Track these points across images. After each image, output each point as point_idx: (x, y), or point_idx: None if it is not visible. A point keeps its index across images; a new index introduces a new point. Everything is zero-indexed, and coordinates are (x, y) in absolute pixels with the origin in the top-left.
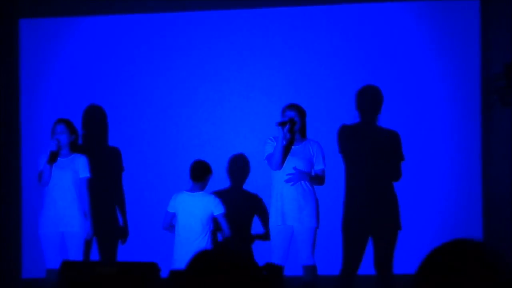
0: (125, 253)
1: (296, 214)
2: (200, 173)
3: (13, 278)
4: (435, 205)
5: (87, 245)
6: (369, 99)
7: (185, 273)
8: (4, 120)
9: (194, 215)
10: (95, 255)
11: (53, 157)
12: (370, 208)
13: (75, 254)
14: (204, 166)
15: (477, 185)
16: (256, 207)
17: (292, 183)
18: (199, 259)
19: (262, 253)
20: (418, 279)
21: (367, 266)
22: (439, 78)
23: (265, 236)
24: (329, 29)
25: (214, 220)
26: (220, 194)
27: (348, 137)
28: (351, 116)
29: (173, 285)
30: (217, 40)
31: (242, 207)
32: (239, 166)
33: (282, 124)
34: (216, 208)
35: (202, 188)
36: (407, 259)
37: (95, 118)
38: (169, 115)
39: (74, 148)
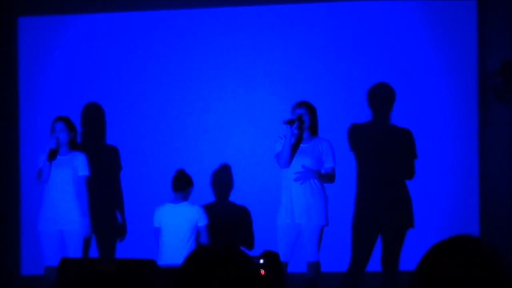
0: (124, 250)
1: (304, 211)
2: (182, 184)
3: (13, 275)
4: (432, 202)
5: (86, 242)
6: (380, 97)
7: (182, 269)
8: (3, 118)
9: (179, 225)
10: (94, 253)
11: (52, 155)
12: (381, 206)
13: (74, 251)
14: (186, 176)
15: (474, 182)
16: (244, 219)
17: (301, 181)
18: (196, 255)
19: (263, 248)
20: (418, 276)
21: (372, 263)
22: (437, 75)
23: (248, 244)
24: (327, 28)
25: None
26: (207, 207)
27: (359, 136)
28: (359, 113)
29: (170, 283)
30: (223, 38)
31: (230, 219)
32: (223, 178)
33: (289, 122)
34: (201, 218)
35: (185, 198)
36: (403, 256)
37: (94, 116)
38: (168, 113)
39: (73, 146)
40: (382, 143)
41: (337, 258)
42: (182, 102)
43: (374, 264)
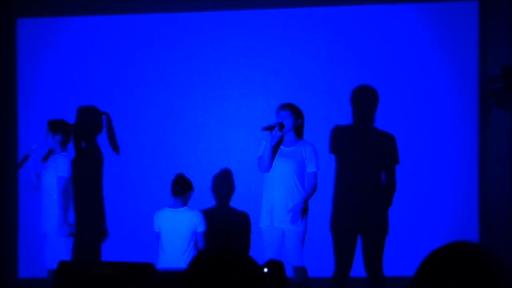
0: (125, 254)
1: (285, 216)
2: (181, 188)
3: (10, 278)
4: (431, 207)
5: (67, 245)
6: (363, 100)
7: (186, 273)
8: (1, 120)
9: (178, 231)
10: (80, 255)
11: (22, 161)
12: (358, 210)
13: (55, 254)
14: (185, 180)
15: (474, 188)
16: (242, 225)
17: (285, 186)
18: (200, 259)
19: (254, 252)
20: (416, 282)
21: (360, 268)
22: (437, 80)
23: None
24: (325, 31)
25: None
26: (206, 212)
27: (340, 138)
28: (349, 117)
29: (173, 286)
30: (212, 42)
31: (229, 224)
32: (225, 183)
33: (268, 128)
34: (200, 224)
35: (185, 203)
36: (402, 261)
37: (92, 118)
38: (167, 116)
39: (64, 148)
40: (363, 146)
41: (324, 263)
42: (181, 105)
43: (362, 269)
